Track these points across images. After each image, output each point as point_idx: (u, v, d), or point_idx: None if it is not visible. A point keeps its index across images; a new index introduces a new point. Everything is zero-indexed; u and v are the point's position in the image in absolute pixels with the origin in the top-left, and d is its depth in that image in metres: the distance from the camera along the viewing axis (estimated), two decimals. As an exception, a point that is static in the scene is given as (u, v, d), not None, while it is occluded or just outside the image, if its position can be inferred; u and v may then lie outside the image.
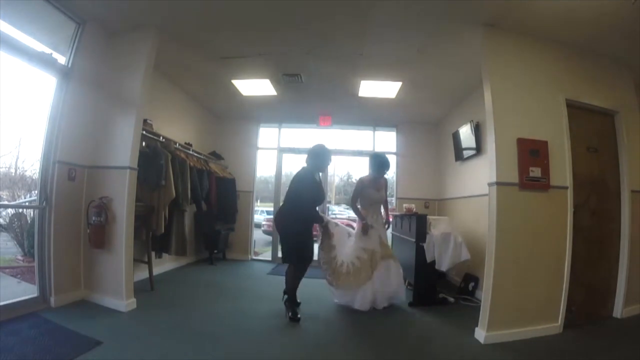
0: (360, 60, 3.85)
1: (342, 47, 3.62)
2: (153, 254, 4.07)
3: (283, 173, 6.60)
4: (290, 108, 5.70)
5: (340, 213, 10.96)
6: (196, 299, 3.61)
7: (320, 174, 3.48)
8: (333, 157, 3.44)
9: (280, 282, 4.80)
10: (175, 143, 4.50)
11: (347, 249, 3.51)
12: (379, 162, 3.68)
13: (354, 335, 2.75)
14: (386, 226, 3.76)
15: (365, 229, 3.51)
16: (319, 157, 3.31)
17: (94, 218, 3.07)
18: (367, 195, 3.64)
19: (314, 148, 3.36)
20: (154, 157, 3.89)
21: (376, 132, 6.29)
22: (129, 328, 2.69)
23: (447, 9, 2.81)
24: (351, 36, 3.37)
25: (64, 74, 3.09)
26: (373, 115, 5.79)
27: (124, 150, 3.20)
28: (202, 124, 5.89)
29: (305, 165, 3.34)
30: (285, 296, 3.29)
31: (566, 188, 2.92)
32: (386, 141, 6.33)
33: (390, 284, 3.44)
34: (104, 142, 3.30)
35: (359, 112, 5.71)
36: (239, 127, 6.46)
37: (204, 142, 5.83)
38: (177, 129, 4.94)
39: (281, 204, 3.43)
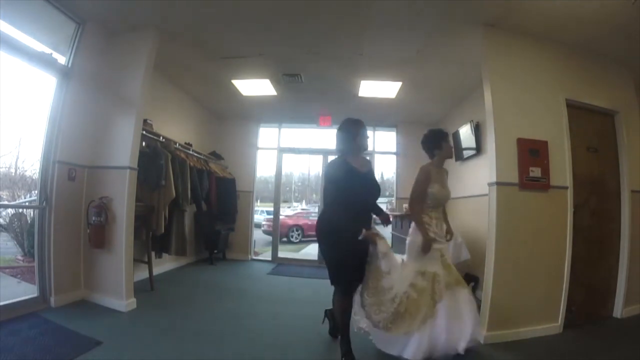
0: (360, 60, 3.85)
1: (342, 47, 3.62)
2: (153, 254, 4.07)
3: (283, 173, 6.61)
4: (290, 108, 5.70)
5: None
6: (196, 299, 3.62)
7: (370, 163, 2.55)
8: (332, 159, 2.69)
9: (280, 282, 4.85)
10: (175, 143, 4.50)
11: (398, 275, 2.39)
12: (436, 137, 2.56)
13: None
14: (448, 237, 2.56)
15: (427, 248, 2.36)
16: (346, 135, 2.42)
17: (94, 218, 3.07)
18: (432, 194, 2.45)
19: (339, 126, 2.49)
20: (154, 157, 3.89)
21: (376, 132, 6.30)
22: (129, 328, 2.69)
23: (447, 9, 2.81)
24: (351, 36, 3.37)
25: (64, 74, 3.09)
26: (373, 115, 5.79)
27: (124, 150, 3.20)
28: (202, 124, 5.89)
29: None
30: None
31: (566, 188, 2.92)
32: (386, 141, 6.35)
33: (460, 322, 2.23)
34: (104, 142, 3.29)
35: (359, 112, 5.69)
36: (239, 127, 6.46)
37: (204, 142, 5.83)
38: (177, 129, 4.94)
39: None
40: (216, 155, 5.96)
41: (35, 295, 2.95)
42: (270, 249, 6.64)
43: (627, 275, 3.15)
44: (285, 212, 11.27)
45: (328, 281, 2.40)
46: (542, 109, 2.96)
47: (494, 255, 2.69)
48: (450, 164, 5.41)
